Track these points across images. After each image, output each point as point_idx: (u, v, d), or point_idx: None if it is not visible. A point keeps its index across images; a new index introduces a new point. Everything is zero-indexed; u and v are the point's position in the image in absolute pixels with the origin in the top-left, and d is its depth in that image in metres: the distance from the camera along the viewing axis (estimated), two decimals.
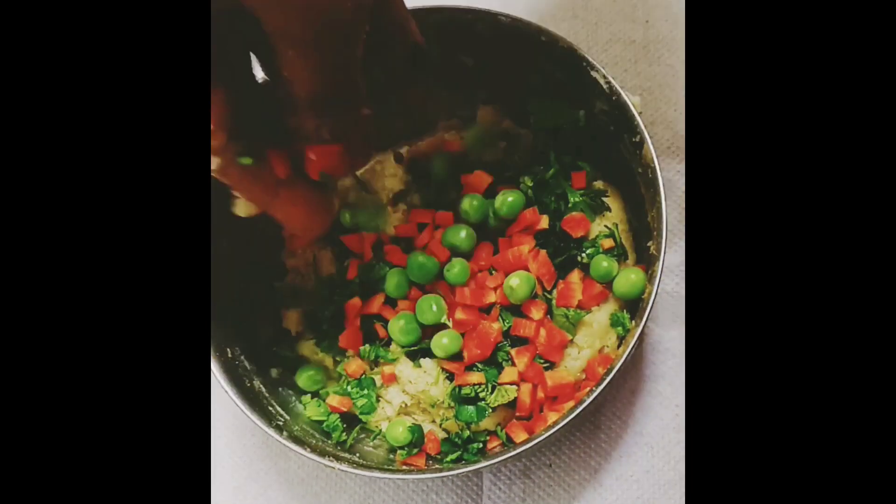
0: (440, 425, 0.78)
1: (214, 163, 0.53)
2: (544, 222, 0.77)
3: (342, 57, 0.51)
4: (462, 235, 0.78)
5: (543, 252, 0.77)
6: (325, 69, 0.50)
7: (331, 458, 0.71)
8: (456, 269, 0.77)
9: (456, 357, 0.77)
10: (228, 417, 0.89)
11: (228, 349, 0.78)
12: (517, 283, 0.74)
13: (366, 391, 0.80)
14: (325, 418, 0.80)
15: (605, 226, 0.79)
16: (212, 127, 0.51)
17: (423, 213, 0.82)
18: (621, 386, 0.84)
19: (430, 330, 0.78)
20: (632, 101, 0.72)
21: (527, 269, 0.76)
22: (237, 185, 0.56)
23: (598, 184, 0.81)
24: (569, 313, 0.75)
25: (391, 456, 0.79)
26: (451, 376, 0.77)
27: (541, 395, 0.75)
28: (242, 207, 0.61)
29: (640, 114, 0.72)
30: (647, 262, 0.75)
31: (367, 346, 0.81)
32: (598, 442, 0.83)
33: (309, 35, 0.48)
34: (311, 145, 0.56)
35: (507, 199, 0.77)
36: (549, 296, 0.77)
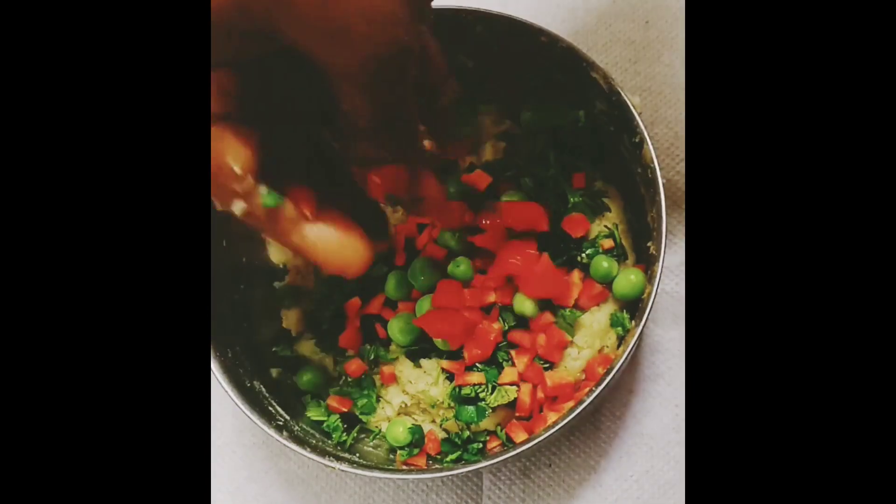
0: (440, 425, 0.78)
1: (238, 208, 0.53)
2: (544, 224, 0.78)
3: (397, 92, 0.53)
4: (456, 236, 0.78)
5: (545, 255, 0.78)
6: (382, 102, 0.53)
7: (331, 458, 0.71)
8: (462, 266, 0.77)
9: (455, 356, 0.77)
10: (228, 417, 0.89)
11: (228, 349, 0.78)
12: (530, 305, 0.75)
13: (366, 391, 0.80)
14: (325, 418, 0.80)
15: (605, 226, 0.79)
16: (239, 171, 0.52)
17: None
18: (621, 386, 0.84)
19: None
20: (631, 101, 0.72)
21: None
22: (264, 229, 0.56)
23: (598, 184, 0.81)
24: (566, 313, 0.75)
25: (391, 456, 0.79)
26: (451, 376, 0.77)
27: (541, 395, 0.75)
28: (276, 253, 0.60)
29: (639, 114, 0.72)
30: (646, 262, 0.75)
31: (367, 345, 0.81)
32: (598, 442, 0.83)
33: (365, 74, 0.50)
34: (373, 170, 0.59)
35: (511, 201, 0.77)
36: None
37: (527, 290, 0.75)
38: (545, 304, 0.76)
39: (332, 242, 0.56)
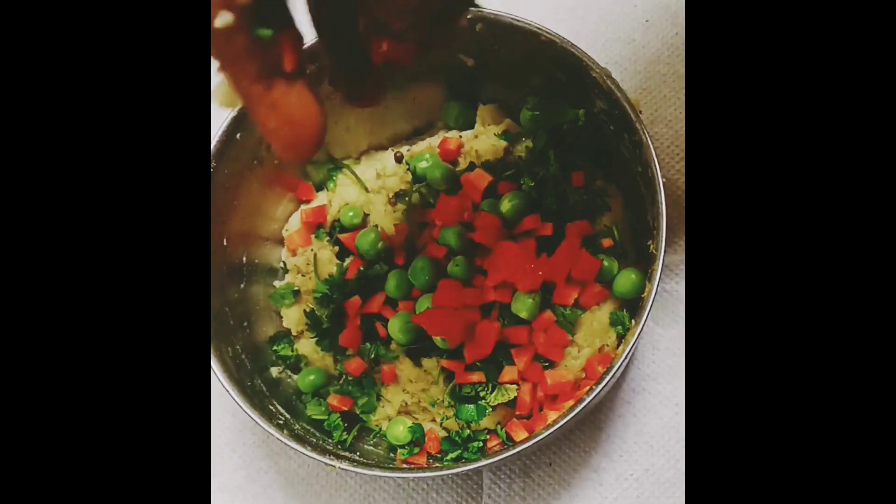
0: (440, 424, 0.79)
1: (222, 20, 0.47)
2: (548, 230, 0.78)
3: None
4: (456, 235, 0.78)
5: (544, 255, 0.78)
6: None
7: (331, 457, 0.71)
8: (461, 266, 0.77)
9: (456, 355, 0.77)
10: (228, 417, 0.89)
11: (229, 348, 0.78)
12: (531, 302, 0.75)
13: (366, 390, 0.80)
14: (325, 417, 0.80)
15: (605, 225, 0.79)
16: None
17: (422, 213, 0.82)
18: (621, 385, 0.84)
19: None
20: (631, 100, 0.72)
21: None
22: (235, 62, 0.49)
23: (598, 183, 0.81)
24: (566, 312, 0.76)
25: (391, 455, 0.79)
26: (451, 375, 0.77)
27: (541, 394, 0.75)
28: (225, 97, 0.54)
29: (639, 113, 0.72)
30: (646, 261, 0.75)
31: (367, 344, 0.81)
32: (598, 441, 0.83)
33: None
34: (387, 39, 0.54)
35: (512, 204, 0.77)
36: (548, 297, 0.77)
37: (523, 286, 0.75)
38: (545, 304, 0.76)
39: (296, 108, 0.51)
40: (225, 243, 0.80)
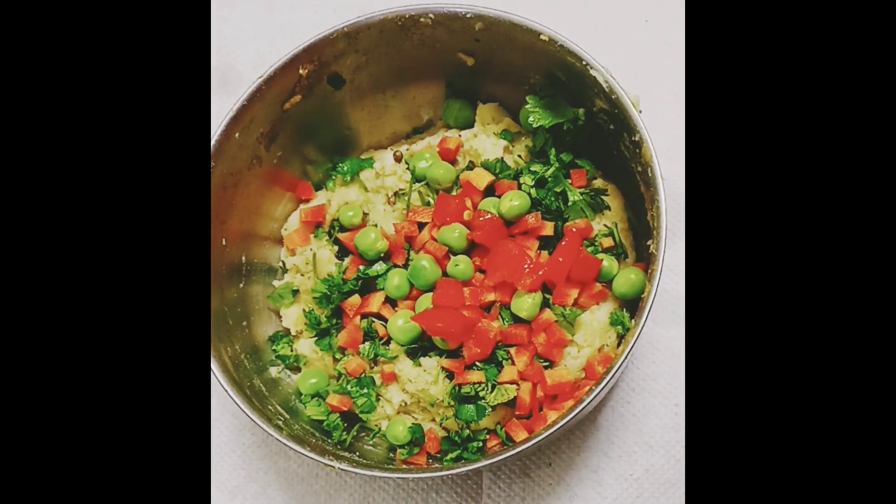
0: (440, 424, 0.78)
1: None
2: (548, 229, 0.78)
3: None
4: (455, 234, 0.78)
5: (544, 254, 0.77)
6: None
7: (331, 458, 0.71)
8: (461, 265, 0.77)
9: (455, 355, 0.77)
10: (228, 417, 0.89)
11: (228, 349, 0.78)
12: (530, 302, 0.75)
13: (366, 390, 0.80)
14: (324, 417, 0.80)
15: (605, 224, 0.79)
16: None
17: (422, 213, 0.82)
18: (621, 385, 0.84)
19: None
20: (631, 100, 0.72)
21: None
22: None
23: (598, 182, 0.81)
24: (566, 312, 0.76)
25: (391, 455, 0.79)
26: (450, 375, 0.77)
27: (540, 394, 0.75)
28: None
29: (639, 113, 0.72)
30: (646, 261, 0.75)
31: (366, 344, 0.81)
32: (597, 441, 0.83)
33: None
34: None
35: (512, 204, 0.77)
36: (548, 296, 0.77)
37: (523, 286, 0.75)
38: (545, 304, 0.76)
39: None
40: (224, 243, 0.80)
